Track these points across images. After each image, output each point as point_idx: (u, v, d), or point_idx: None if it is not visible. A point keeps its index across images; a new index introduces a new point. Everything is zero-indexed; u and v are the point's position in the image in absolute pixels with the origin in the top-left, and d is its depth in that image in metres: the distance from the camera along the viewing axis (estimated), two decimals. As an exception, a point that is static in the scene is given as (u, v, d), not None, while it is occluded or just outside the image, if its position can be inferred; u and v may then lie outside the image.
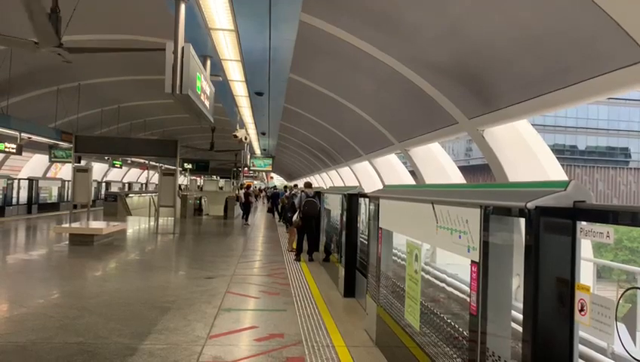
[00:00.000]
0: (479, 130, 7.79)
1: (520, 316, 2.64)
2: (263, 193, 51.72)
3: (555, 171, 7.80)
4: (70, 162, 17.53)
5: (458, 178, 12.04)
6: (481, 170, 50.72)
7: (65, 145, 19.35)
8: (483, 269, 2.97)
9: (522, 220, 2.57)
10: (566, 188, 2.48)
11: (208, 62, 8.20)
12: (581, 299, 2.34)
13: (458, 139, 49.26)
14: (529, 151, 7.80)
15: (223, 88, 10.36)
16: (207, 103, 7.36)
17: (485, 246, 2.97)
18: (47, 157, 23.09)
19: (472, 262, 3.09)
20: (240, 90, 10.85)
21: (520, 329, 2.64)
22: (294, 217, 11.94)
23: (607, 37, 4.39)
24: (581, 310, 2.33)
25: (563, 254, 2.42)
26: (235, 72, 9.21)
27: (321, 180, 33.63)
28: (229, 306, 7.00)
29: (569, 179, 2.57)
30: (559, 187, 2.51)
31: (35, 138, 17.13)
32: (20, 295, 7.43)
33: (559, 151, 50.55)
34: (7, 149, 15.50)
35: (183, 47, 5.44)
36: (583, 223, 2.38)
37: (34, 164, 26.41)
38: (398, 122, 11.46)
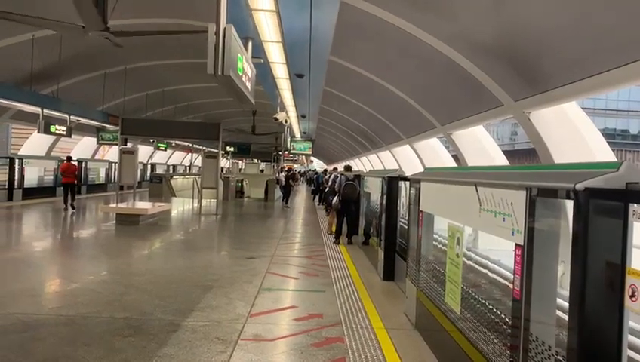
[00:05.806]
0: (525, 112, 7.55)
1: (565, 304, 2.55)
2: (301, 177, 52.02)
3: (604, 156, 7.49)
4: (117, 144, 18.03)
5: (503, 162, 11.75)
6: (526, 155, 49.40)
7: (112, 127, 19.92)
8: (528, 253, 2.89)
9: (570, 202, 2.47)
10: (618, 168, 2.37)
11: (250, 44, 8.24)
12: (632, 285, 2.24)
13: (503, 122, 48.02)
14: (577, 134, 7.52)
15: (264, 70, 10.40)
16: (248, 85, 7.41)
17: (530, 229, 2.88)
18: (95, 139, 23.84)
19: (517, 245, 3.01)
20: (281, 72, 10.88)
21: (565, 317, 2.56)
22: (334, 200, 11.95)
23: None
24: (632, 296, 2.23)
25: (613, 238, 2.31)
26: (275, 54, 9.22)
27: (360, 164, 33.50)
28: (269, 286, 7.10)
29: (621, 160, 2.46)
30: (611, 168, 2.41)
31: (83, 121, 17.72)
32: (71, 271, 7.75)
33: (610, 135, 48.61)
34: (57, 131, 16.04)
35: (224, 29, 5.47)
36: (636, 206, 2.27)
37: (83, 146, 27.31)
38: (441, 104, 11.23)
